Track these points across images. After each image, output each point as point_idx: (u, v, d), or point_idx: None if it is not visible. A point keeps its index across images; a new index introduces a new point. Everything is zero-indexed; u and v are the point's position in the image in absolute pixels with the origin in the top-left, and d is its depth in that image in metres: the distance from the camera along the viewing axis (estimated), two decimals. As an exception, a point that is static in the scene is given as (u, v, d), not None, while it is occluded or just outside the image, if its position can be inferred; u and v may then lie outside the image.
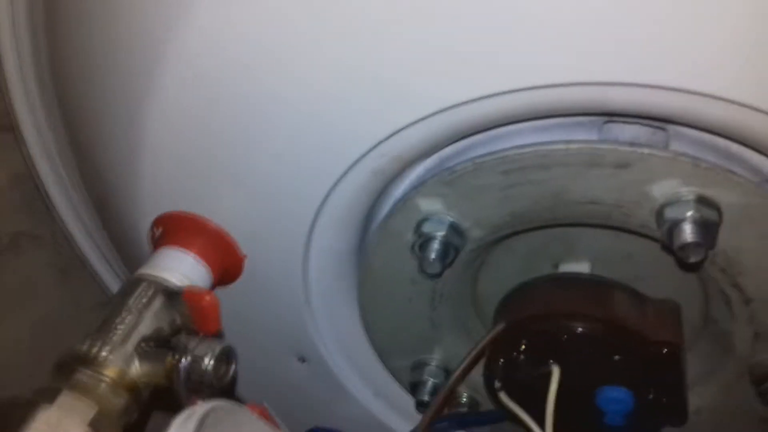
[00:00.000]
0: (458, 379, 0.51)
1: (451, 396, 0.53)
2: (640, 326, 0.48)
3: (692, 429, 0.56)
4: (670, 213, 0.44)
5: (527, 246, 0.55)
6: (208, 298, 0.46)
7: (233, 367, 0.46)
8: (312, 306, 0.59)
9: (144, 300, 0.49)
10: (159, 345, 0.47)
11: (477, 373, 0.56)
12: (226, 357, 0.45)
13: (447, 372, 0.59)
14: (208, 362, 0.45)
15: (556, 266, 0.55)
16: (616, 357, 0.48)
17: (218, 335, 0.47)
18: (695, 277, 0.52)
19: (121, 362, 0.45)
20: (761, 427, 0.53)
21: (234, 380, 0.48)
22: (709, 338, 0.54)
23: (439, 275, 0.50)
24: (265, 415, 0.47)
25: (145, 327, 0.47)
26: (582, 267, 0.54)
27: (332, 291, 0.59)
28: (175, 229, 0.56)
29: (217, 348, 0.45)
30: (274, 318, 0.61)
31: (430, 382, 0.59)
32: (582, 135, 0.46)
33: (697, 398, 0.54)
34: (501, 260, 0.57)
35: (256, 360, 0.65)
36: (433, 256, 0.49)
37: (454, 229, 0.50)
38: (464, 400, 0.61)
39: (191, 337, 0.46)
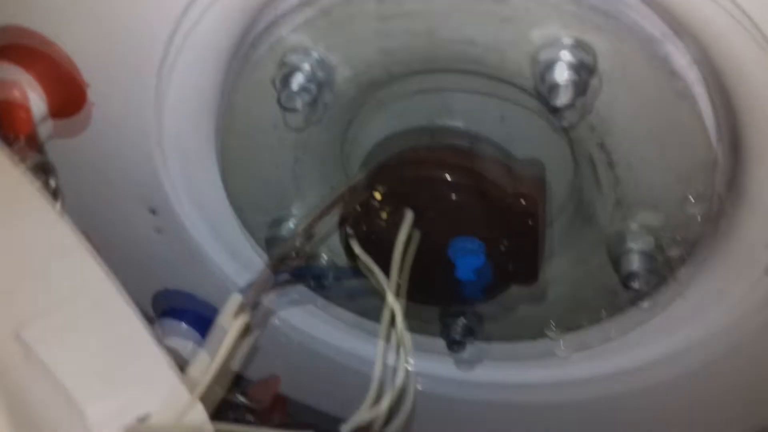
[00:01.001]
0: (309, 226, 0.48)
1: (303, 247, 0.50)
2: (501, 178, 0.46)
3: (547, 299, 0.56)
4: (544, 55, 0.42)
5: (401, 104, 0.52)
6: (17, 92, 0.40)
7: (52, 182, 0.41)
8: (164, 148, 0.54)
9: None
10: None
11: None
12: (42, 169, 0.40)
13: (306, 230, 0.55)
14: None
15: (430, 124, 0.52)
16: (473, 208, 0.46)
17: (38, 150, 0.42)
18: (566, 144, 0.51)
19: None
20: (611, 299, 0.54)
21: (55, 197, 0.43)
22: (572, 209, 0.53)
23: (297, 111, 0.46)
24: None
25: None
26: (455, 125, 0.51)
27: (189, 133, 0.54)
28: (5, 41, 0.49)
29: (29, 159, 0.40)
30: (123, 159, 0.55)
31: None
32: (465, -35, 0.43)
33: (554, 268, 0.54)
34: (373, 118, 0.53)
35: (104, 207, 0.59)
36: (294, 89, 0.45)
37: (320, 63, 0.46)
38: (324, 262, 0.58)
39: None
